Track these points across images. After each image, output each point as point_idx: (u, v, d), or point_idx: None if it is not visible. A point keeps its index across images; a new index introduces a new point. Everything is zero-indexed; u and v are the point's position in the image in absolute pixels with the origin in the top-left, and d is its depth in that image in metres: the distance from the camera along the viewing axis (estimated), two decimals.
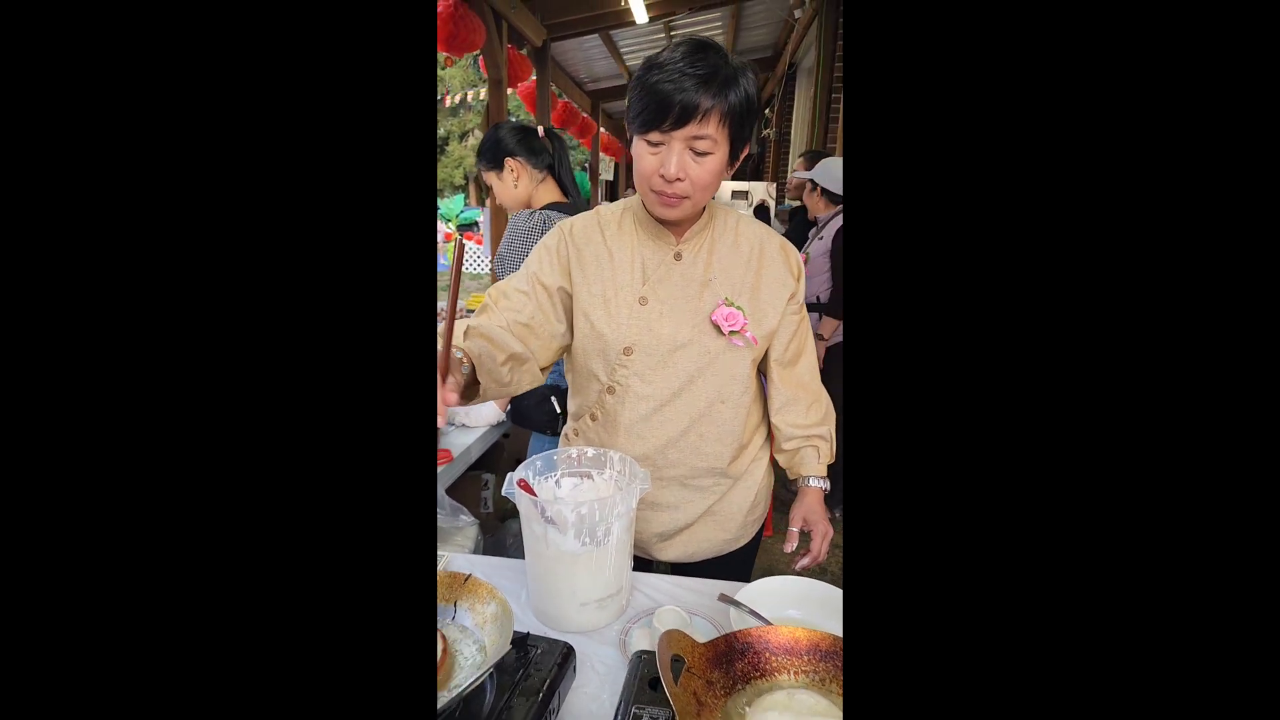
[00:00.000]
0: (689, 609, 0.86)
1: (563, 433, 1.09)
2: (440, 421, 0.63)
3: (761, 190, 4.75)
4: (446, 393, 0.64)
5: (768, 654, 0.63)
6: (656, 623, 0.81)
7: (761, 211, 4.39)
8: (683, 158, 0.82)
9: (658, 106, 0.79)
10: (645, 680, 0.65)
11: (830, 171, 2.47)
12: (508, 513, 2.25)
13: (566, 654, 0.72)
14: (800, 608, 0.85)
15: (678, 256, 0.94)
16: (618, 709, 0.62)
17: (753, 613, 0.82)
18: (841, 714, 0.56)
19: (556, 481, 0.94)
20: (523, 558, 0.89)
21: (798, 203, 3.23)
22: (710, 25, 5.90)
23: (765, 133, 7.05)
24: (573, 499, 0.91)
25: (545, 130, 1.60)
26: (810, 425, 1.01)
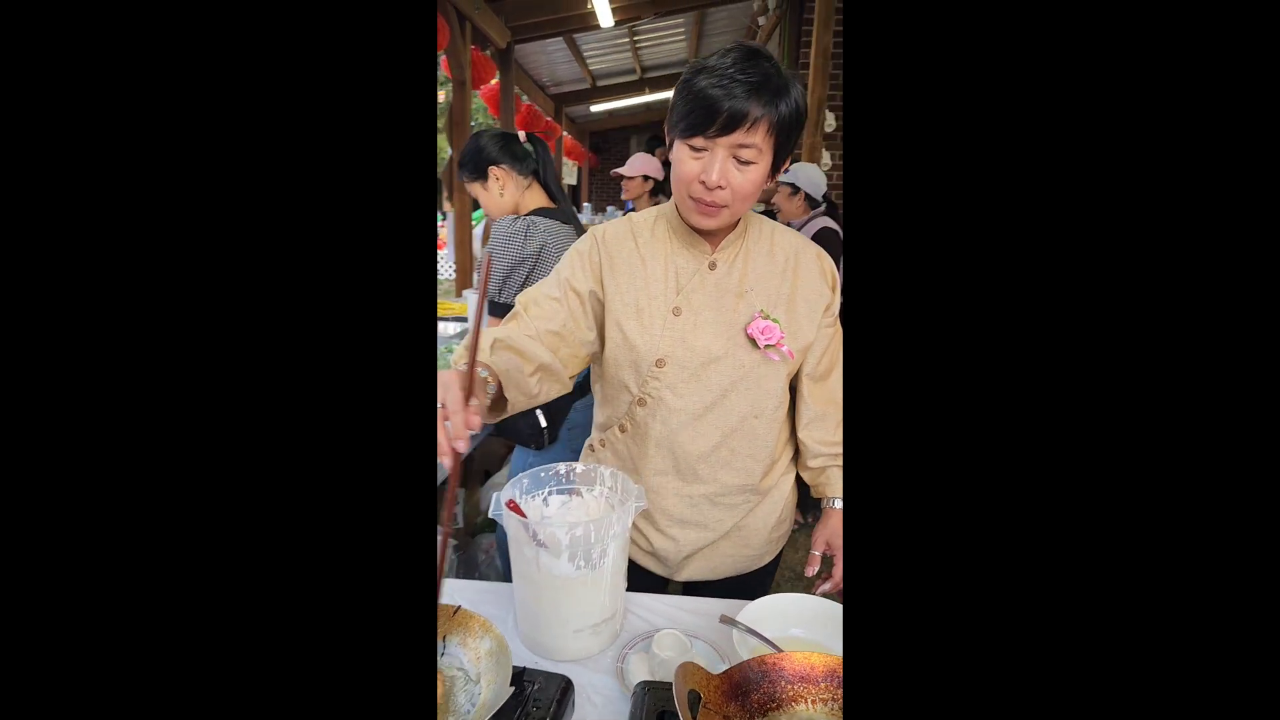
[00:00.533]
0: (688, 631, 0.82)
1: (587, 444, 1.04)
2: (463, 446, 0.58)
3: None
4: (470, 415, 0.59)
5: (783, 683, 0.59)
6: (656, 648, 0.77)
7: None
8: (725, 165, 0.79)
9: (705, 111, 0.77)
10: (653, 715, 0.61)
11: (810, 176, 2.48)
12: (478, 527, 2.17)
13: (565, 688, 0.67)
14: (804, 627, 0.82)
15: (712, 266, 0.91)
16: None
17: (755, 633, 0.78)
18: None
19: (544, 499, 0.89)
20: (496, 578, 0.85)
21: (762, 206, 3.24)
22: (674, 30, 5.91)
23: None
24: (563, 519, 0.86)
25: (527, 135, 1.56)
26: (838, 443, 0.97)
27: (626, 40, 5.73)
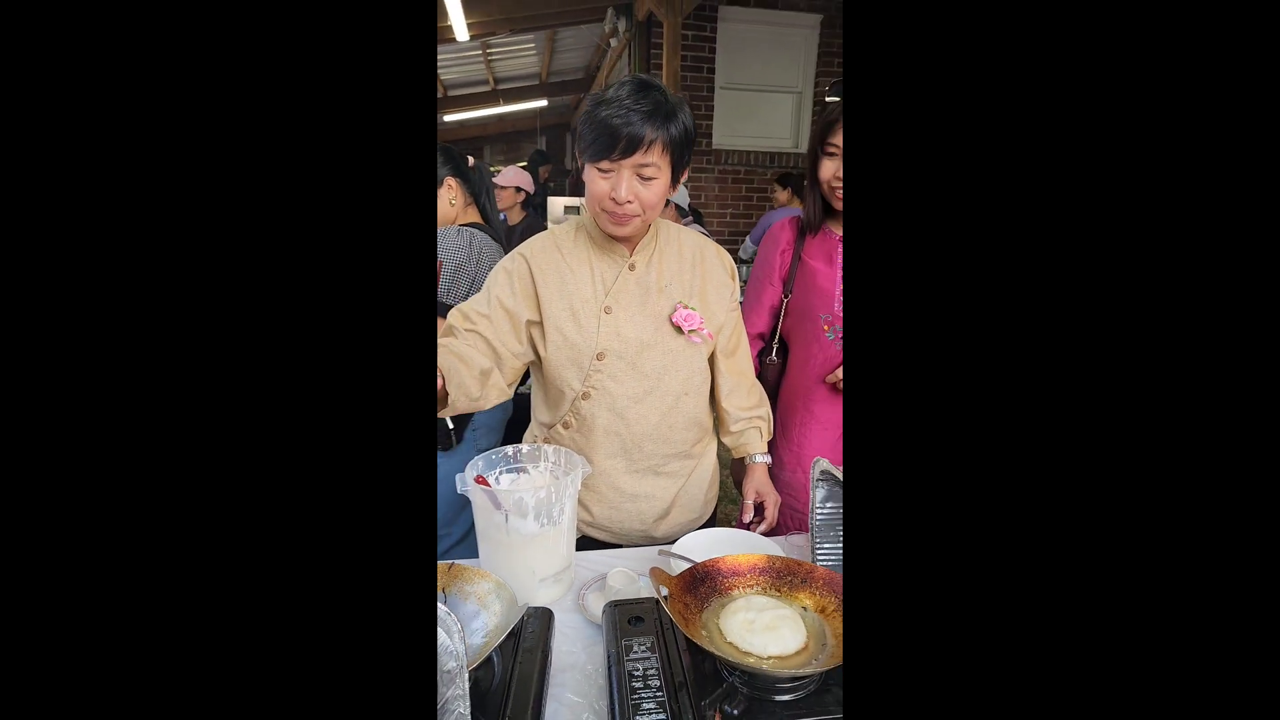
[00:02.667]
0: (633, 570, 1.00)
1: (529, 437, 1.17)
2: None
3: None
4: None
5: (722, 577, 0.79)
6: (610, 583, 0.94)
7: None
8: (631, 182, 0.94)
9: (609, 138, 0.91)
10: (626, 619, 0.78)
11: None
12: None
13: (549, 617, 0.82)
14: (723, 550, 1.03)
15: (632, 267, 1.06)
16: (611, 640, 0.75)
17: (687, 560, 0.98)
18: (786, 606, 0.75)
19: (496, 478, 1.02)
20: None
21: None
22: (525, 45, 6.04)
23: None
24: (528, 486, 1.00)
25: (474, 163, 1.70)
26: (752, 407, 1.18)
27: (480, 54, 5.77)
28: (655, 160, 0.94)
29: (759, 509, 1.20)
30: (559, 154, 9.01)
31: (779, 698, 0.66)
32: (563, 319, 1.04)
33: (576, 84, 7.22)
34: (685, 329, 1.06)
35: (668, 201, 2.86)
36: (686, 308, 1.06)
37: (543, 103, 7.43)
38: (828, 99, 1.24)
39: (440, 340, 0.97)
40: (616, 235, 1.03)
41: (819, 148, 1.17)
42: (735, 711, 0.64)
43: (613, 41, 4.92)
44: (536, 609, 0.82)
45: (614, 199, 0.95)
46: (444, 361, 0.89)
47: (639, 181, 0.95)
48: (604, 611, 0.82)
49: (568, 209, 5.23)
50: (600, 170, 0.95)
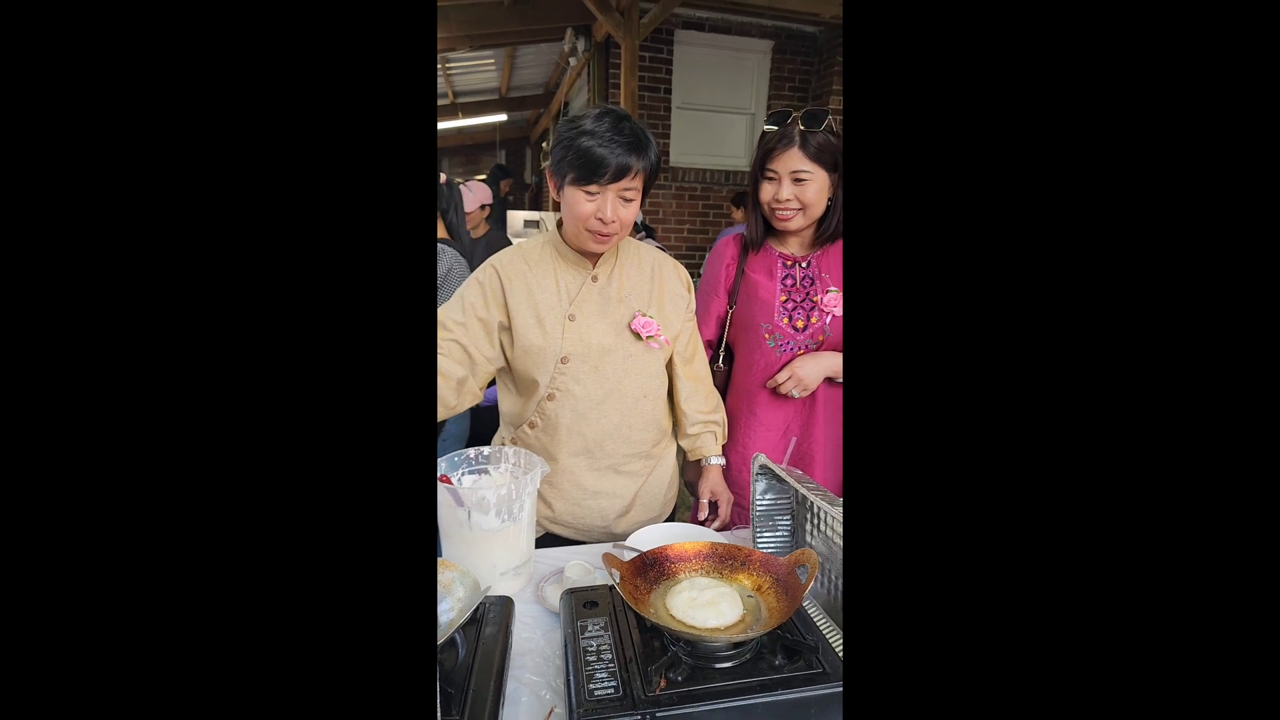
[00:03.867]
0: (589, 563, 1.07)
1: (498, 438, 1.24)
2: None
3: (551, 219, 5.08)
4: None
5: (668, 563, 0.87)
6: (567, 574, 1.00)
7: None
8: (615, 204, 1.05)
9: (597, 165, 1.01)
10: (581, 603, 0.85)
11: None
12: None
13: (508, 604, 0.88)
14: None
15: (595, 279, 1.16)
16: (568, 622, 0.81)
17: (638, 551, 1.05)
18: (726, 586, 0.83)
19: (459, 479, 1.08)
20: None
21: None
22: (485, 61, 6.10)
23: (545, 165, 7.42)
24: (490, 485, 1.06)
25: (445, 179, 1.78)
26: (709, 411, 1.28)
27: (439, 68, 5.80)
28: (635, 185, 1.06)
29: (713, 507, 1.29)
30: (519, 168, 9.06)
31: (718, 665, 0.73)
32: (529, 324, 1.12)
33: (536, 99, 7.30)
34: (644, 335, 1.15)
35: None
36: (645, 316, 1.16)
37: (502, 117, 7.48)
38: (765, 127, 1.33)
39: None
40: (597, 252, 1.13)
41: (759, 172, 1.27)
42: (679, 678, 0.71)
43: (572, 60, 5.02)
44: (498, 597, 0.88)
45: (600, 219, 1.05)
46: None
47: (621, 204, 1.06)
48: (561, 598, 0.89)
49: (527, 223, 5.29)
50: (587, 193, 1.04)
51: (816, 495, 0.86)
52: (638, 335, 1.15)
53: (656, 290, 1.20)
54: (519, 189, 8.81)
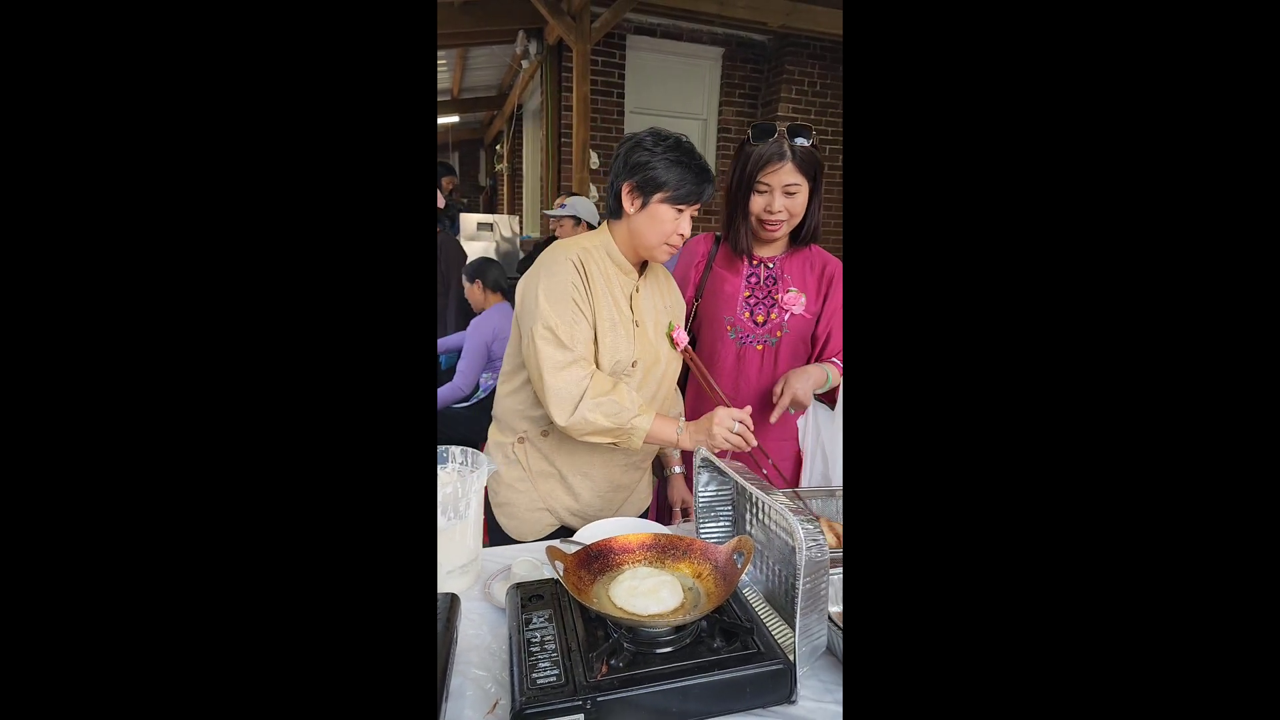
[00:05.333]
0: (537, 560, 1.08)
1: (514, 438, 1.26)
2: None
3: (504, 222, 5.04)
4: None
5: (612, 554, 0.89)
6: (514, 570, 1.01)
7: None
8: (688, 222, 1.15)
9: (699, 189, 1.12)
10: (527, 598, 0.86)
11: (586, 207, 2.96)
12: None
13: (454, 601, 0.89)
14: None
15: (638, 290, 1.23)
16: (513, 616, 0.83)
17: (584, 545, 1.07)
18: (667, 574, 0.85)
19: None
20: None
21: (537, 235, 3.59)
22: (438, 63, 6.03)
23: (498, 168, 7.36)
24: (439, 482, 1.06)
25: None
26: (677, 416, 1.35)
27: None
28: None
29: (685, 513, 1.39)
30: (472, 170, 8.95)
31: (659, 650, 0.76)
32: (605, 329, 1.17)
33: (489, 101, 7.24)
34: (680, 344, 1.25)
35: (577, 219, 3.01)
36: (681, 328, 1.27)
37: (454, 119, 7.39)
38: (751, 141, 1.37)
39: (605, 382, 1.12)
40: (662, 260, 1.21)
41: (750, 184, 1.31)
42: (620, 664, 0.73)
43: (524, 63, 5.01)
44: (444, 594, 0.89)
45: (680, 235, 1.15)
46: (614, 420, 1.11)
47: (689, 221, 1.16)
48: (508, 592, 0.90)
49: (480, 225, 5.24)
50: (678, 210, 1.13)
51: (755, 486, 0.90)
52: (673, 343, 1.26)
53: (673, 299, 1.32)
54: (473, 191, 8.71)
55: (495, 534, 1.30)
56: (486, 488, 1.30)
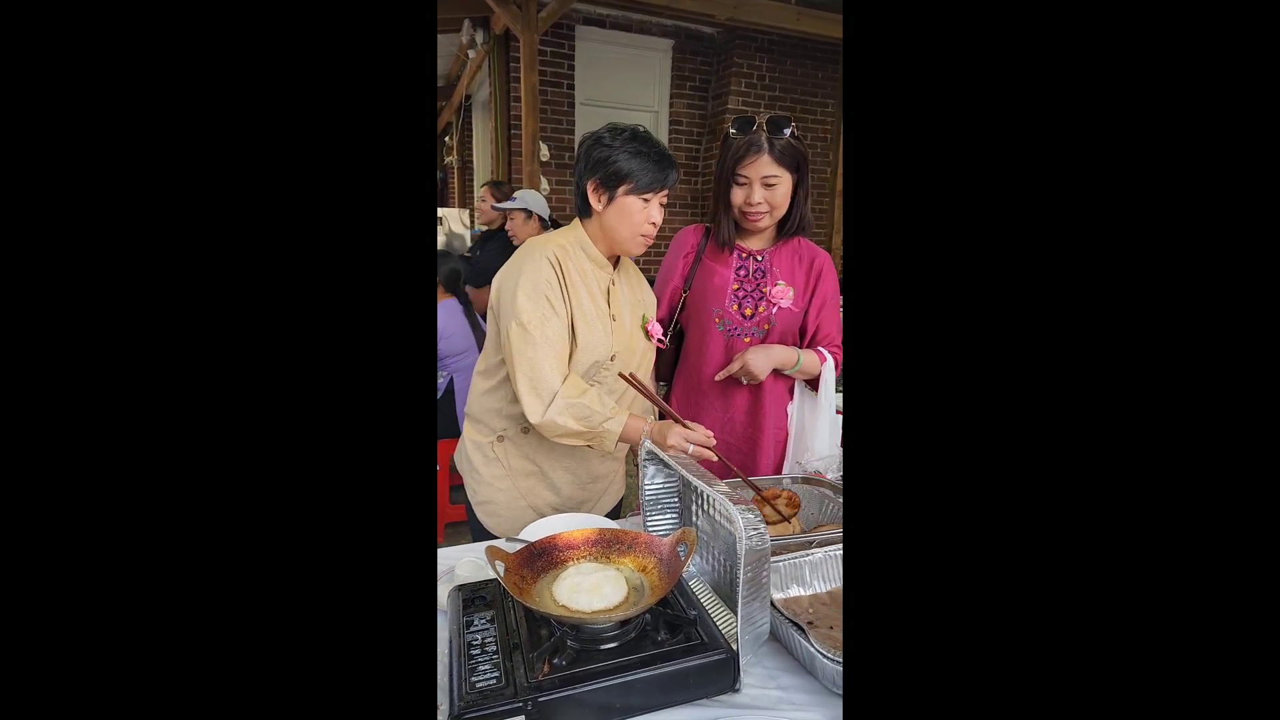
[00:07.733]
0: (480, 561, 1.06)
1: (493, 437, 1.24)
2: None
3: (454, 215, 4.93)
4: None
5: (556, 551, 0.88)
6: (459, 572, 0.99)
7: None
8: (658, 210, 1.16)
9: (662, 175, 1.13)
10: (468, 599, 0.84)
11: (537, 200, 2.92)
12: None
13: None
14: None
15: (614, 283, 1.23)
16: (454, 619, 0.81)
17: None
18: (611, 569, 0.85)
19: None
20: None
21: (487, 227, 3.50)
22: None
23: (448, 160, 7.19)
24: None
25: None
26: (643, 414, 1.33)
27: None
28: (665, 193, 1.17)
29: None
30: None
31: (603, 647, 0.75)
32: (583, 323, 1.16)
33: (439, 93, 7.07)
34: (654, 337, 1.26)
35: (529, 213, 2.95)
36: (652, 319, 1.28)
37: None
38: (731, 132, 1.38)
39: (572, 387, 1.12)
40: (638, 254, 1.21)
41: (730, 177, 1.31)
42: (563, 662, 0.72)
43: (471, 53, 4.90)
44: None
45: (651, 223, 1.16)
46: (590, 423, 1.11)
47: (659, 209, 1.16)
48: (449, 595, 0.88)
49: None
50: (644, 200, 1.13)
51: (699, 478, 0.90)
52: (648, 335, 1.28)
53: (644, 293, 1.32)
54: None
55: (479, 532, 1.30)
56: (465, 487, 1.29)
